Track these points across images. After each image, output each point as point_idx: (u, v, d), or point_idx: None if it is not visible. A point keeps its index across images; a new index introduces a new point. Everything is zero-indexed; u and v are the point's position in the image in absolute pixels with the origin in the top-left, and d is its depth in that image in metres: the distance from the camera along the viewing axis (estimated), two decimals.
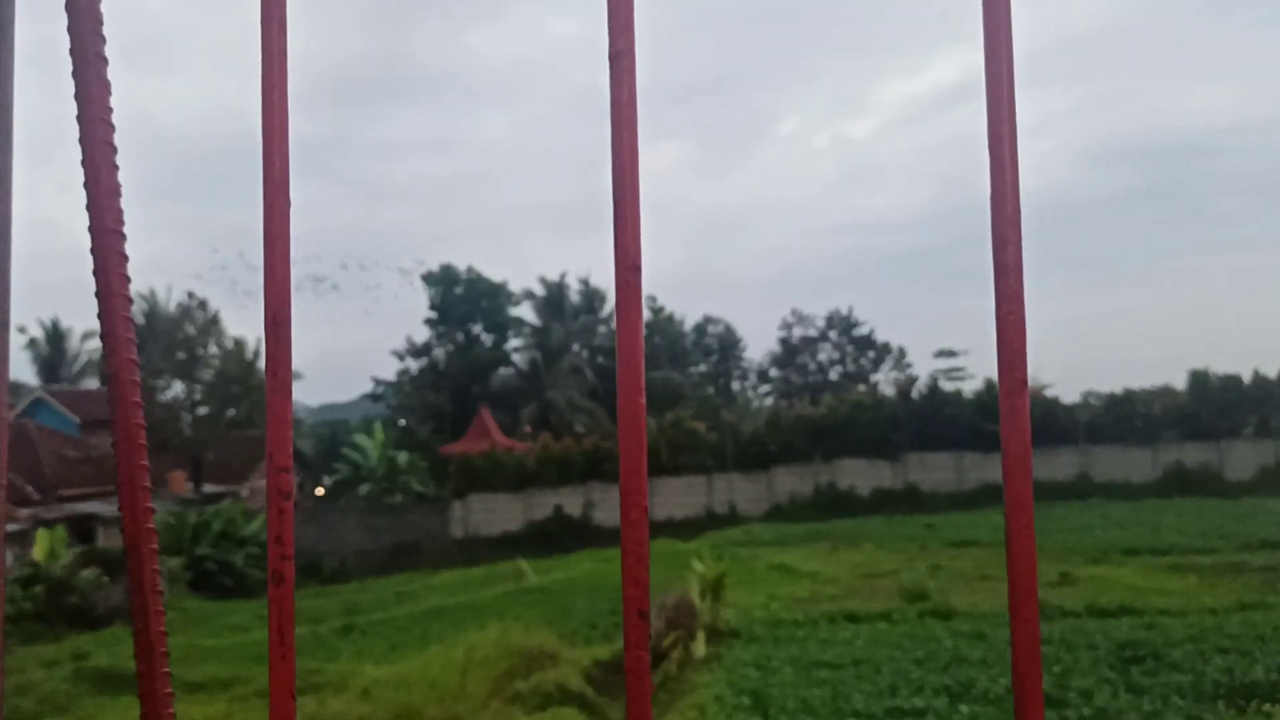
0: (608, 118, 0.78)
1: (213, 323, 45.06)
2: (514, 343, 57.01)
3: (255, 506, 36.78)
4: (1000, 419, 0.76)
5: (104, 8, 0.90)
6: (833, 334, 65.80)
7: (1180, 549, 21.04)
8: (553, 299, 54.24)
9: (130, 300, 0.97)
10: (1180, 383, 40.02)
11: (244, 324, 51.30)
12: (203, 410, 44.32)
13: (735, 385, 67.84)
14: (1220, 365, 38.47)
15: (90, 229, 0.89)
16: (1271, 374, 37.11)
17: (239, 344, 43.49)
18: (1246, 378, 37.43)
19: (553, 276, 54.62)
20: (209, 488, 41.48)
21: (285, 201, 0.77)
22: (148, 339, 44.63)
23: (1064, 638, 12.31)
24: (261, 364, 47.10)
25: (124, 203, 0.90)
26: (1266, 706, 9.23)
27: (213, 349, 45.01)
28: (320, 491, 46.17)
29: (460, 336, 56.96)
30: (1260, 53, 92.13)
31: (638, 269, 0.75)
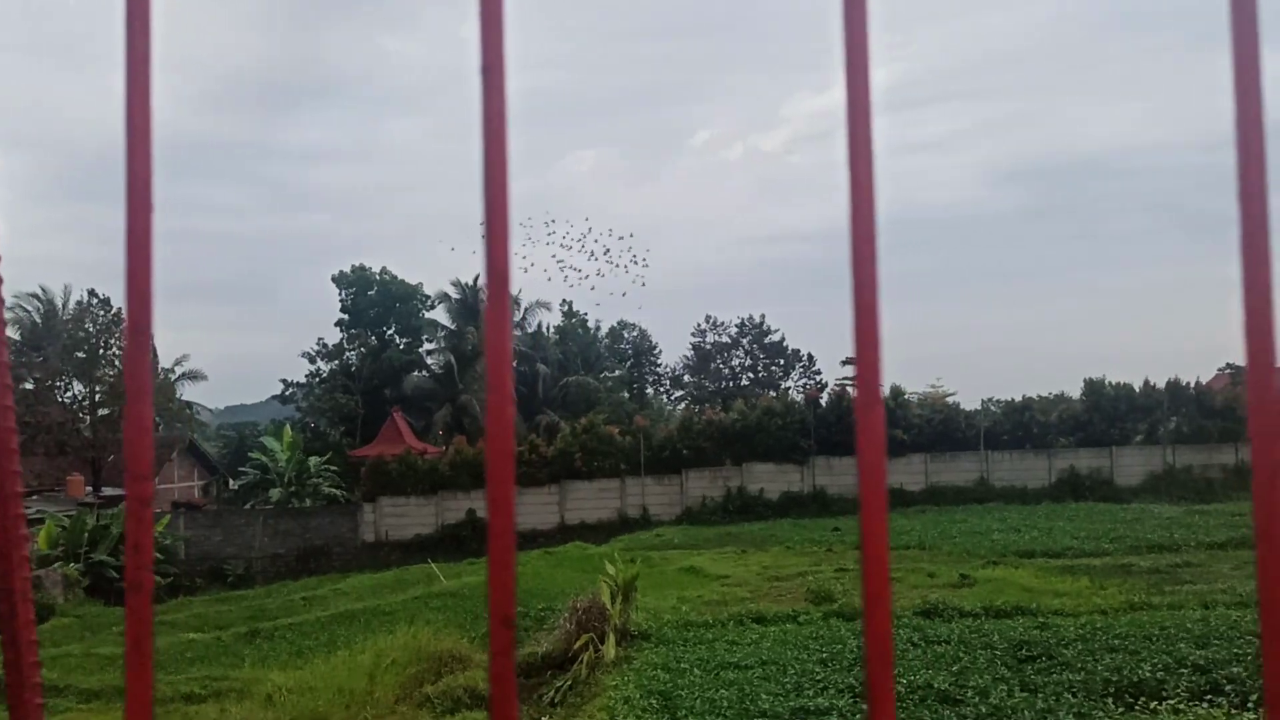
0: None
1: (115, 322, 43.51)
2: (428, 346, 56.35)
3: (157, 510, 35.65)
4: (857, 429, 0.79)
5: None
6: (745, 341, 66.60)
7: (1073, 552, 21.74)
8: (467, 303, 53.71)
9: (2, 302, 0.95)
10: (1075, 391, 41.41)
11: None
12: (103, 411, 42.76)
13: (649, 390, 68.13)
14: (1113, 375, 39.88)
15: None
16: (1161, 384, 38.62)
17: None
18: (1137, 388, 38.88)
19: (467, 280, 54.08)
20: (108, 491, 40.09)
21: (148, 206, 0.76)
22: (45, 339, 42.89)
23: (962, 637, 12.64)
24: (165, 363, 45.89)
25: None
26: (1153, 704, 9.59)
27: (115, 349, 43.42)
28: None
29: (372, 339, 56.09)
30: (1157, 78, 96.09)
31: (506, 280, 0.76)
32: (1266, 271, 0.71)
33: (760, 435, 37.33)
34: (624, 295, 58.88)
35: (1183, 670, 10.37)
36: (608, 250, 57.35)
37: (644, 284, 66.59)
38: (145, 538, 0.74)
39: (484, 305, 0.72)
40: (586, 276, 58.46)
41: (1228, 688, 9.68)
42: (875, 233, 0.78)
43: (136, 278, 0.73)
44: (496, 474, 0.74)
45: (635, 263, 56.59)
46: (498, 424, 0.74)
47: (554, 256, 64.24)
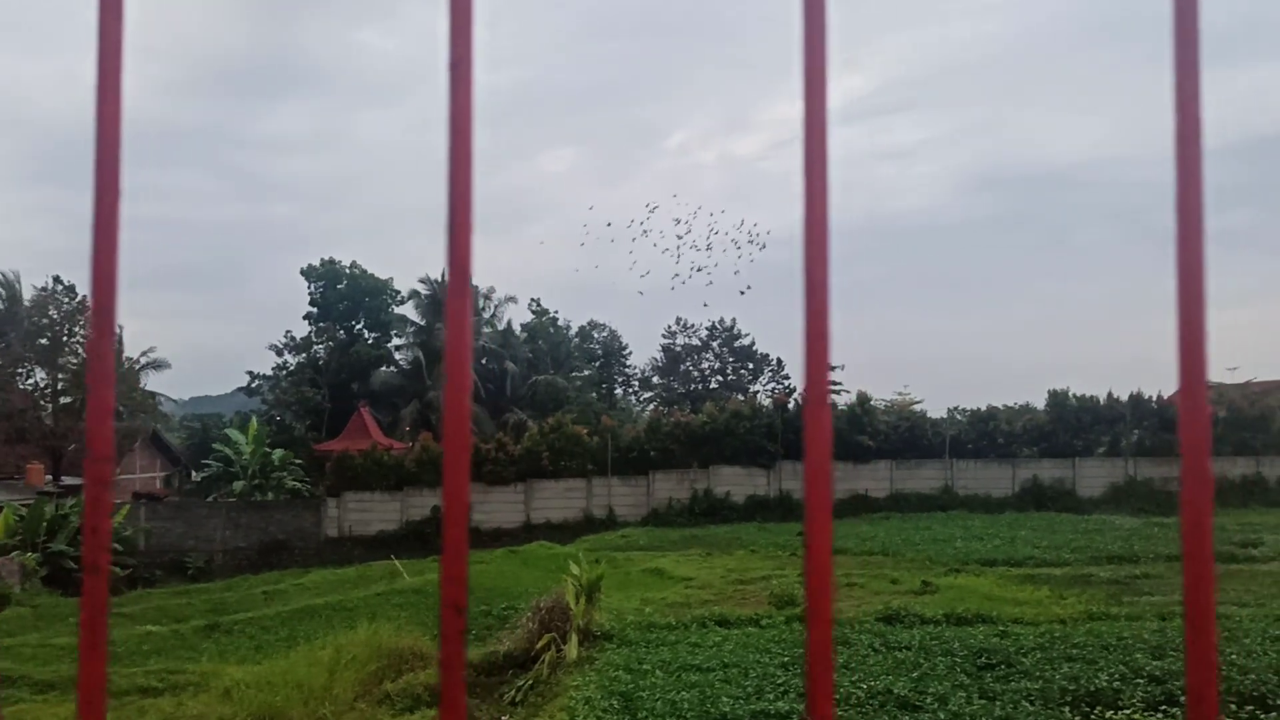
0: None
1: (79, 309, 43.00)
2: (396, 341, 56.10)
3: (118, 500, 35.23)
4: (805, 429, 0.81)
5: None
6: (715, 344, 66.75)
7: (1034, 561, 21.95)
8: (436, 298, 53.50)
9: None
10: (1040, 402, 41.87)
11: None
12: (65, 400, 42.22)
13: (618, 391, 68.14)
14: (1078, 387, 40.37)
15: None
16: (1124, 397, 39.11)
17: None
18: (1101, 400, 39.37)
19: (436, 275, 53.88)
20: (69, 479, 39.57)
21: (115, 188, 0.77)
22: (7, 324, 42.32)
23: (923, 644, 12.72)
24: (130, 352, 45.35)
25: None
26: (1109, 713, 9.71)
27: (79, 336, 42.93)
28: None
29: (341, 333, 55.77)
30: (1125, 91, 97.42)
31: (468, 274, 0.78)
32: (1199, 285, 0.74)
33: (728, 438, 37.42)
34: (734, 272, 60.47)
35: (1139, 680, 10.51)
36: (715, 233, 58.71)
37: (753, 260, 67.56)
38: (103, 520, 0.74)
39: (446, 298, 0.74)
40: (692, 265, 59.28)
41: (1182, 698, 9.80)
42: (826, 236, 0.80)
43: (102, 260, 0.74)
44: (452, 464, 0.75)
45: (750, 240, 57.31)
46: (454, 416, 0.76)
47: (657, 245, 64.58)
